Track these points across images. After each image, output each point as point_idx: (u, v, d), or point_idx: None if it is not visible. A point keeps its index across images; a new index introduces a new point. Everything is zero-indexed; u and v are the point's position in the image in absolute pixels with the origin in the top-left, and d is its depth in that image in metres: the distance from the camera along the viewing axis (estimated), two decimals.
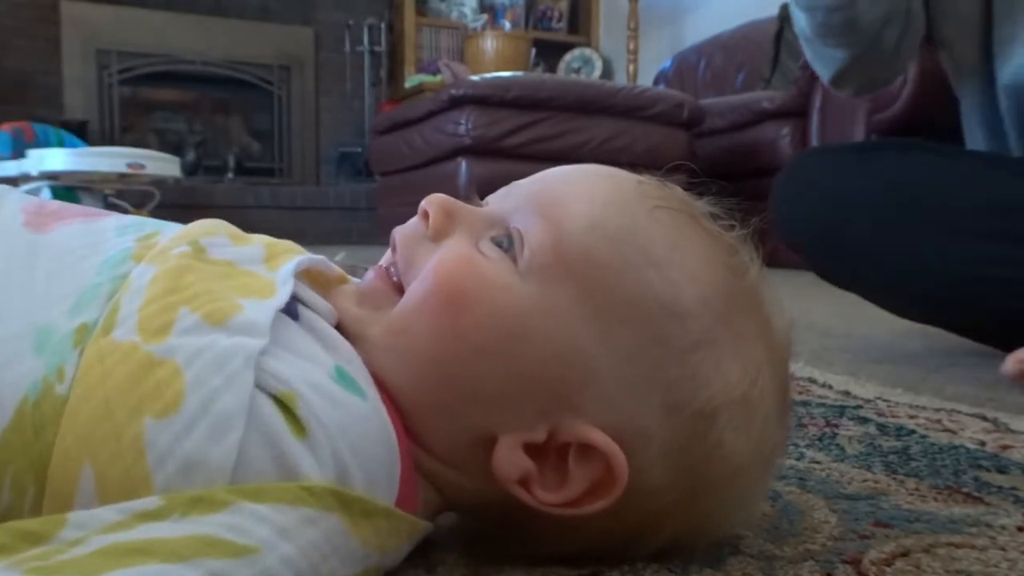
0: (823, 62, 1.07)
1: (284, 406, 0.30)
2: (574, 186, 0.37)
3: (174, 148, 4.12)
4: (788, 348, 0.38)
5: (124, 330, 0.30)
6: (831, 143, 1.22)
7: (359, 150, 4.39)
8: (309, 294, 0.36)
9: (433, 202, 0.37)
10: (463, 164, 2.71)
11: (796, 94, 2.58)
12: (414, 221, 0.38)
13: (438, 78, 4.09)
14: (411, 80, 4.27)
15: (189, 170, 4.11)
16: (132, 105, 4.31)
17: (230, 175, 4.40)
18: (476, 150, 2.69)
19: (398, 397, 0.34)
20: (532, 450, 0.34)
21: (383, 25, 4.49)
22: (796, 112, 2.58)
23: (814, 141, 2.52)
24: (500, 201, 0.39)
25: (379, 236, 3.21)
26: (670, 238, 0.36)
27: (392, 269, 0.37)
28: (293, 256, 0.37)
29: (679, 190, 0.38)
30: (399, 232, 0.38)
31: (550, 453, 0.34)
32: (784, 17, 3.00)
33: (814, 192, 1.04)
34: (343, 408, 0.31)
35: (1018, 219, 0.91)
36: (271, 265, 0.36)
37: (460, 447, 0.35)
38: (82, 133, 3.67)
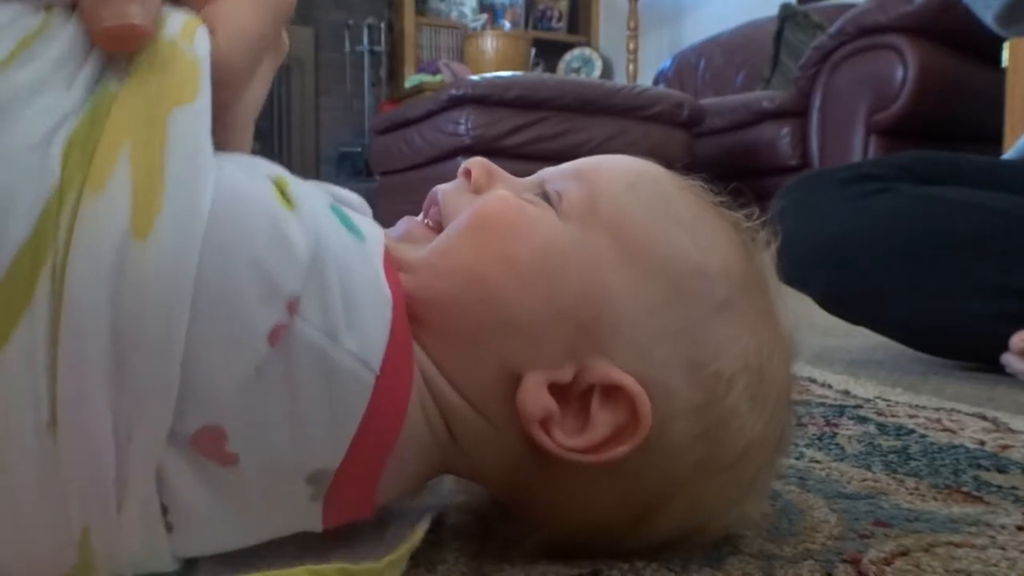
0: None
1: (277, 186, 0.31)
2: (610, 162, 0.40)
3: None
4: (792, 340, 0.39)
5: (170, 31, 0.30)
6: (817, 173, 1.19)
7: (359, 150, 4.39)
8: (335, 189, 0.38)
9: (475, 162, 0.40)
10: (463, 164, 2.71)
11: (796, 94, 2.58)
12: (456, 181, 0.40)
13: (438, 78, 4.09)
14: (411, 80, 4.26)
15: None
16: None
17: None
18: (476, 150, 2.68)
19: (431, 317, 0.34)
20: (556, 393, 0.34)
21: (383, 25, 4.48)
22: (796, 112, 2.58)
23: (814, 141, 2.52)
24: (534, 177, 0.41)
25: None
26: (698, 210, 0.38)
27: (428, 222, 0.39)
28: None
29: (699, 184, 0.40)
30: (442, 188, 0.40)
31: (573, 399, 0.34)
32: (784, 17, 3.00)
33: (815, 238, 1.03)
34: (333, 234, 0.31)
35: (1012, 263, 0.91)
36: None
37: (485, 381, 0.34)
38: None
